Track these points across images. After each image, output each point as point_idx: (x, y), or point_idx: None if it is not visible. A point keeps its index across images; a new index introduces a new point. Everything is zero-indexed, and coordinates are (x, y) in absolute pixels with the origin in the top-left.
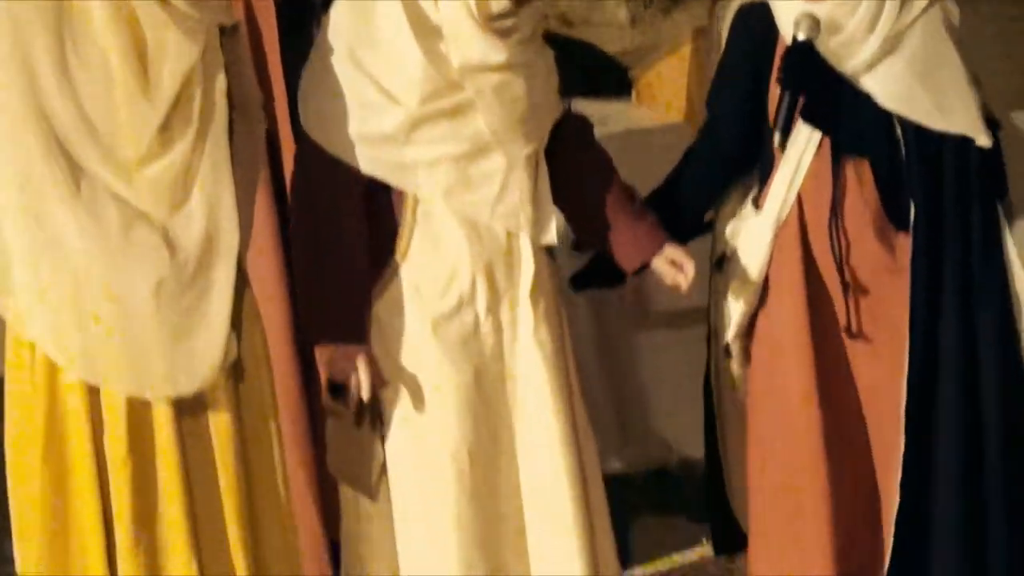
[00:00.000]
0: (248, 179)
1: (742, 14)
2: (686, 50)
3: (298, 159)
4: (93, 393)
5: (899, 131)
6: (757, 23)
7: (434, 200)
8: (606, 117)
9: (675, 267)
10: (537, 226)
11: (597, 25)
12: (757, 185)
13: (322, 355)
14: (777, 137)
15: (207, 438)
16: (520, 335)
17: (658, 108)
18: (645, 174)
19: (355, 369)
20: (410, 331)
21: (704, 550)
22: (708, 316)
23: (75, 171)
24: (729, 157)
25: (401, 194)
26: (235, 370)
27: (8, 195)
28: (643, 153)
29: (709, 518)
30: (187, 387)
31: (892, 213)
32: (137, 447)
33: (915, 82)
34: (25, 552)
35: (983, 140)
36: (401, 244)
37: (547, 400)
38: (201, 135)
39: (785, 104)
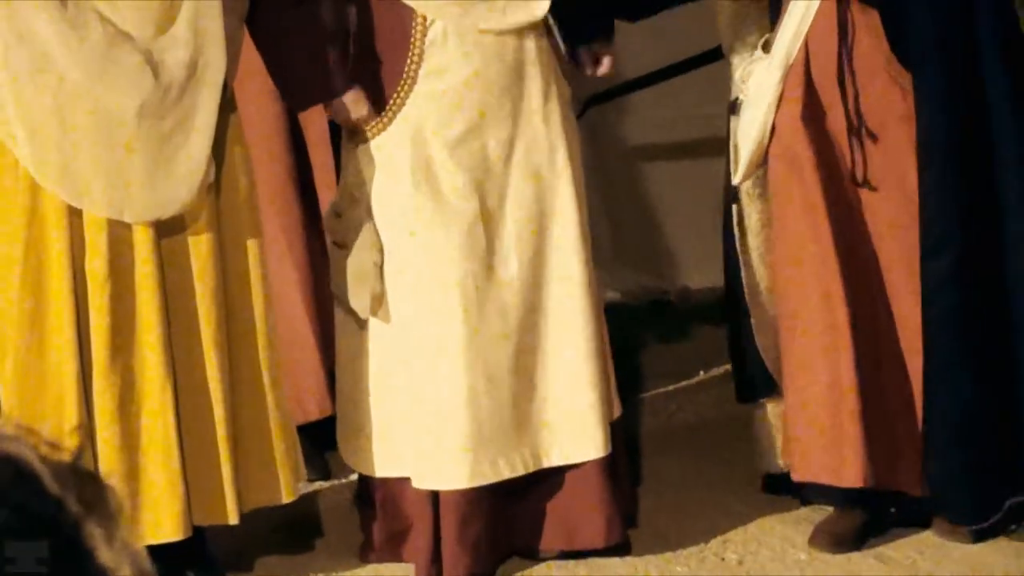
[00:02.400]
0: (238, 5)
1: None
2: None
3: None
4: (74, 214)
5: None
6: None
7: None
8: None
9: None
10: None
11: None
12: (770, 27)
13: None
14: None
15: (186, 260)
16: (534, 158)
17: None
18: None
19: (351, 113)
20: (415, 163)
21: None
22: (726, 158)
23: None
24: None
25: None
26: (215, 192)
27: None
28: None
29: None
30: (166, 211)
31: (903, 55)
32: (117, 268)
33: None
34: (4, 365)
35: None
36: (410, 70)
37: (569, 229)
38: None
39: None
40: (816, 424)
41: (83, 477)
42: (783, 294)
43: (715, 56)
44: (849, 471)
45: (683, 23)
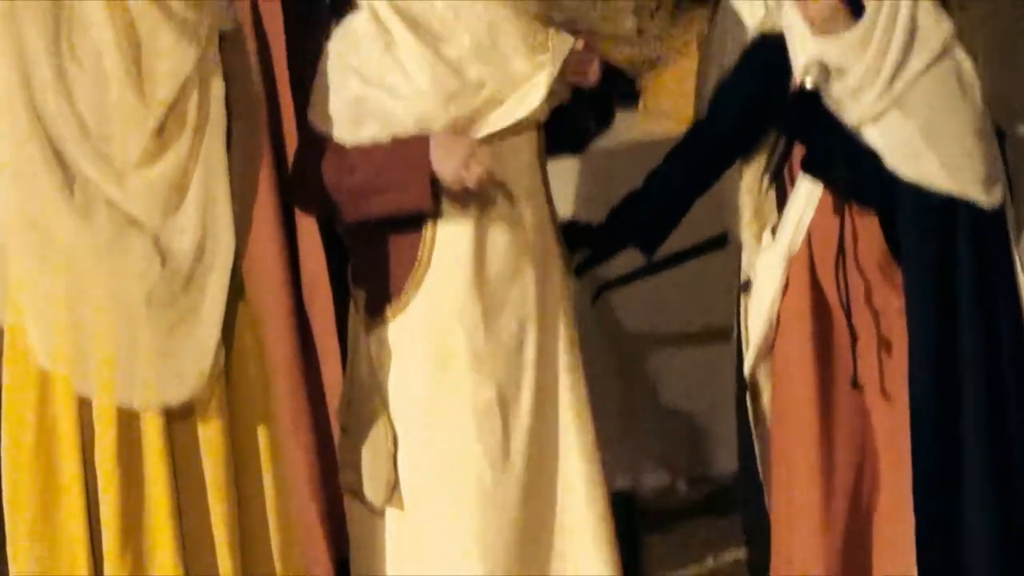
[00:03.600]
0: (247, 186)
1: (761, 42)
2: (693, 60)
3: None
4: (84, 402)
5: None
6: (774, 55)
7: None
8: (610, 132)
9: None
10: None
11: (604, 34)
12: (777, 214)
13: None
14: (765, 181)
15: (196, 447)
16: (540, 354)
17: (664, 117)
18: None
19: (467, 164)
20: (429, 348)
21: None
22: (737, 337)
23: (69, 174)
24: (711, 164)
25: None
26: (225, 380)
27: (5, 196)
28: (650, 165)
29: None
30: (175, 397)
31: (898, 254)
32: (125, 456)
33: (921, 141)
34: (17, 556)
35: (989, 200)
36: (423, 255)
37: (572, 419)
38: (197, 141)
39: (780, 150)
40: None
41: None
42: (775, 490)
43: (724, 241)
44: None
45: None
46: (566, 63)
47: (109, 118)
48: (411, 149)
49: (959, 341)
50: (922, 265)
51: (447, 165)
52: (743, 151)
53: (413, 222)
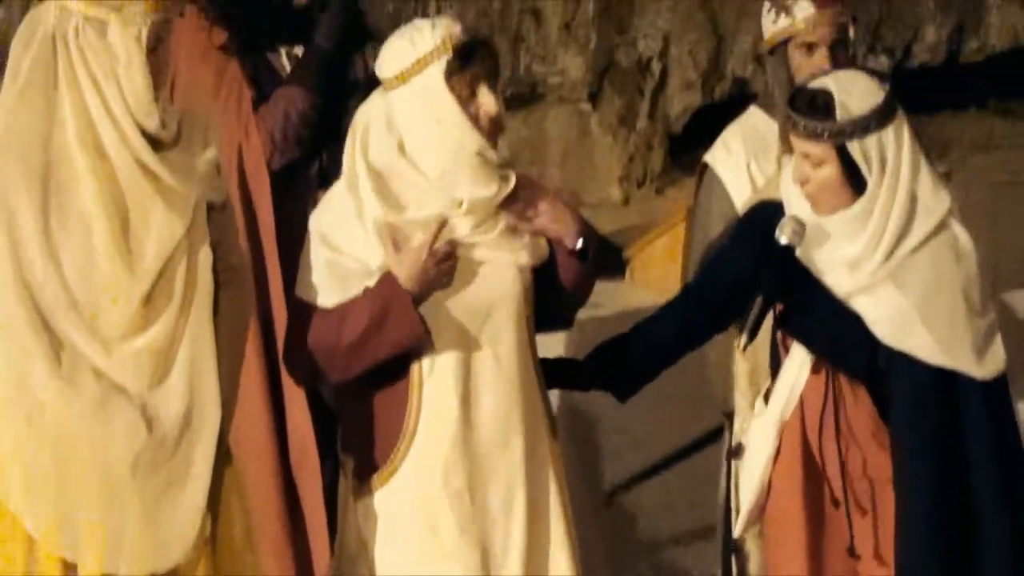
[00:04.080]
0: (234, 354)
1: (756, 210)
2: (679, 229)
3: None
4: (69, 564)
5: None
6: (768, 223)
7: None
8: (599, 298)
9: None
10: None
11: (590, 204)
12: (771, 380)
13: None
14: (744, 339)
15: None
16: (530, 521)
17: (652, 287)
18: None
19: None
20: (417, 516)
21: None
22: (726, 500)
23: (56, 341)
24: (697, 326)
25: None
26: (212, 546)
27: None
28: None
29: None
30: (162, 564)
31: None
32: None
33: (915, 316)
34: None
35: (982, 372)
36: (408, 424)
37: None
38: (184, 311)
39: (757, 308)
40: None
41: None
42: None
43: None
44: None
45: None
46: (513, 194)
47: (97, 287)
48: (382, 288)
49: (968, 510)
50: (920, 439)
51: (413, 276)
52: (732, 317)
53: (399, 392)
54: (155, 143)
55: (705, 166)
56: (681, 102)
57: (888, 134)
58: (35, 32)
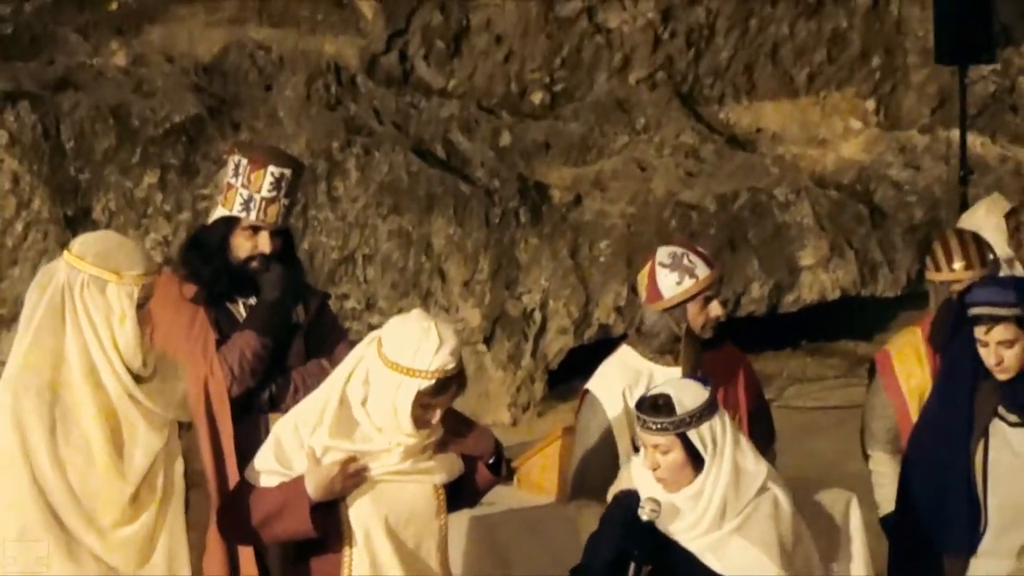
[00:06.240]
0: (200, 538)
1: (617, 501)
2: (556, 444)
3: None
4: None
5: None
6: (629, 511)
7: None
8: (492, 497)
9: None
10: None
11: (486, 425)
12: None
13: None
14: None
15: None
16: None
17: (534, 490)
18: (528, 544)
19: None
20: None
21: None
22: None
23: (65, 534)
24: None
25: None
26: None
27: (11, 553)
28: (520, 525)
29: None
30: None
31: None
32: None
33: (763, 558)
34: None
35: None
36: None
37: None
38: (164, 505)
39: (632, 571)
40: None
41: None
42: None
43: None
44: None
45: None
46: (444, 420)
47: (95, 490)
48: (290, 487)
49: None
50: None
51: (320, 486)
52: None
53: (333, 563)
54: (138, 377)
55: (586, 391)
56: (557, 344)
57: (716, 422)
58: (49, 282)
